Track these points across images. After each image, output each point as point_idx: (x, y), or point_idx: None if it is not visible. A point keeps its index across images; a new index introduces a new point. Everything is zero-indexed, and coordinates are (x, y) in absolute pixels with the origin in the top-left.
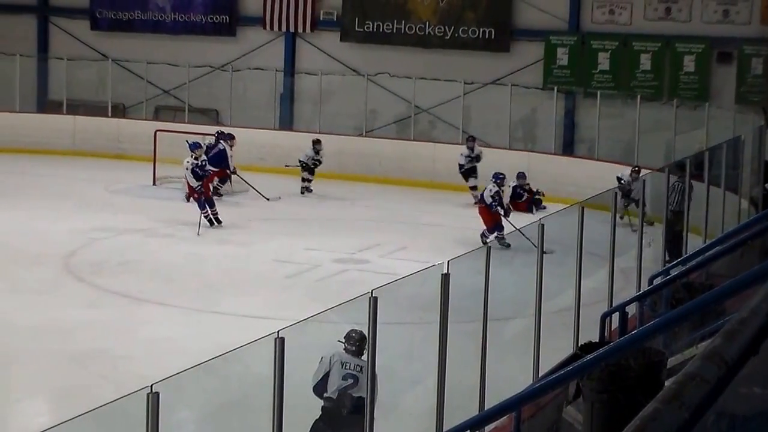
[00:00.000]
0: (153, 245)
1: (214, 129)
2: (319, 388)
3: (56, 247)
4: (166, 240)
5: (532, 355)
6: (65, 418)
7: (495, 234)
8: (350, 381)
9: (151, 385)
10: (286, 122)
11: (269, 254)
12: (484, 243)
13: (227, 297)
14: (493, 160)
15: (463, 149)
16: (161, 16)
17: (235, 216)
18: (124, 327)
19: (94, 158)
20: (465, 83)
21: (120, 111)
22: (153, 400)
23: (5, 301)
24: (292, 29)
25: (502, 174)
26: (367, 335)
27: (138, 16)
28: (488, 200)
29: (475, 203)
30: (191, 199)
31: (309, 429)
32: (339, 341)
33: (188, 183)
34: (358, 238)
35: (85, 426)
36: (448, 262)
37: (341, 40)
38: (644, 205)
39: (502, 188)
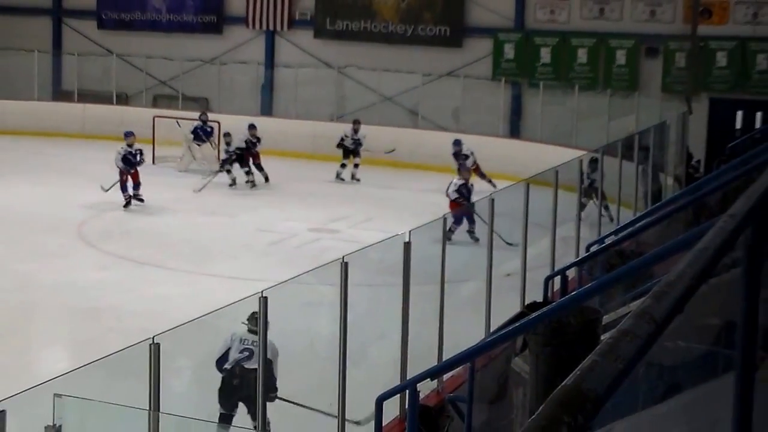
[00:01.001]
0: (152, 216)
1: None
2: (220, 362)
3: (70, 217)
4: (163, 212)
5: (484, 313)
6: (81, 364)
7: (467, 228)
8: (246, 354)
9: (153, 337)
10: (267, 109)
11: (253, 224)
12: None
13: (217, 261)
14: (446, 143)
15: (348, 130)
16: (158, 17)
17: (221, 191)
18: (129, 286)
19: (101, 140)
20: (423, 75)
21: (123, 99)
22: (155, 349)
23: (29, 263)
24: (271, 27)
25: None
26: (341, 296)
27: (138, 17)
28: (452, 195)
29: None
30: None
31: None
32: (243, 322)
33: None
34: (330, 211)
35: (97, 371)
36: (410, 231)
37: (315, 37)
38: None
39: (461, 181)
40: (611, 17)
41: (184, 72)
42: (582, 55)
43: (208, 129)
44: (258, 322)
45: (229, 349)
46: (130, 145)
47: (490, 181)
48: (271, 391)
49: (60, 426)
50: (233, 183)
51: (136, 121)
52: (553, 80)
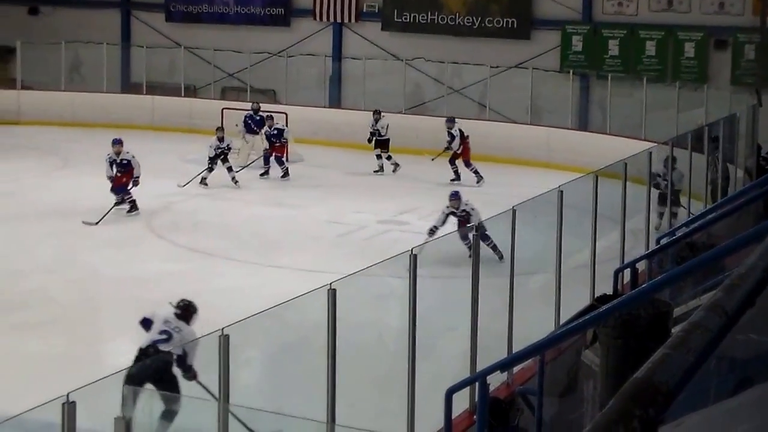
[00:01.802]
0: (221, 207)
1: (272, 107)
2: (144, 324)
3: (139, 209)
4: (231, 203)
5: (553, 306)
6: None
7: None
8: (164, 336)
9: (222, 329)
10: (335, 101)
11: (322, 216)
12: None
13: (285, 253)
14: (515, 135)
15: (371, 121)
16: (226, 9)
17: (290, 183)
18: (196, 278)
19: (169, 132)
20: (491, 67)
21: (191, 91)
22: (224, 341)
23: (97, 255)
24: (339, 20)
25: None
26: (410, 288)
27: (206, 9)
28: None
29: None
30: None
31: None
32: (170, 303)
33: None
34: (399, 203)
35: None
36: (479, 223)
37: (382, 29)
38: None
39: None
40: (679, 9)
41: (251, 64)
42: (650, 48)
43: (257, 118)
44: (182, 307)
45: (153, 323)
46: (117, 153)
47: (476, 172)
48: (187, 371)
49: (129, 417)
50: (203, 180)
51: (203, 113)
52: (621, 72)
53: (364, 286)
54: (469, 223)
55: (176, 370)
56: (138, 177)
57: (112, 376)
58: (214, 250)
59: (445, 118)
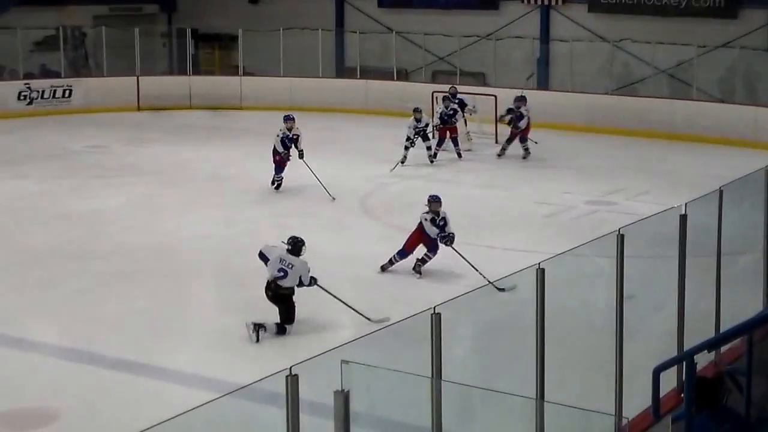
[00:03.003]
0: (433, 188)
1: (482, 90)
2: (261, 257)
3: (353, 191)
4: (443, 184)
5: (761, 286)
6: (366, 332)
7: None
8: (281, 274)
9: (434, 307)
10: (543, 83)
11: (529, 197)
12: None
13: (494, 233)
14: (723, 115)
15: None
16: None
17: (499, 164)
18: (409, 258)
19: (382, 116)
20: (697, 47)
21: (403, 75)
22: (436, 318)
23: (317, 235)
24: (546, 2)
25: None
26: (617, 268)
27: None
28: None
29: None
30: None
31: None
32: (282, 242)
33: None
34: (606, 184)
35: (383, 337)
36: (686, 204)
37: (589, 11)
38: None
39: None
40: None
41: (461, 48)
42: None
43: (456, 102)
44: (291, 243)
45: (268, 259)
46: (289, 129)
47: (526, 149)
48: (310, 284)
49: (348, 391)
50: (403, 159)
51: (415, 96)
52: None
53: (572, 266)
54: (444, 237)
55: (295, 299)
56: (302, 150)
57: (332, 352)
58: None
59: (516, 96)
